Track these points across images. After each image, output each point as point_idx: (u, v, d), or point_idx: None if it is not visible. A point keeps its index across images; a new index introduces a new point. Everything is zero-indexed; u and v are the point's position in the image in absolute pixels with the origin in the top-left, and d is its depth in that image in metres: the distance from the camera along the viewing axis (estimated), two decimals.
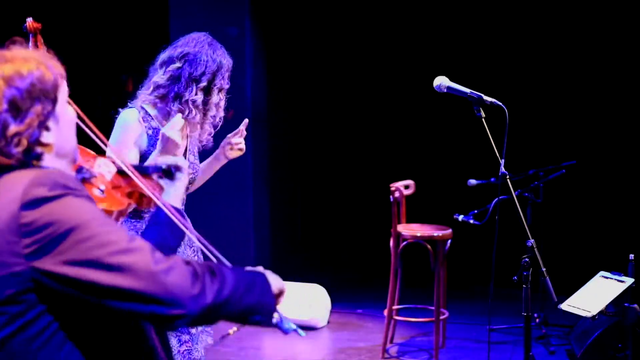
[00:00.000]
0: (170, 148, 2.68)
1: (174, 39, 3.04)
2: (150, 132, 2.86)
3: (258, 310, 1.65)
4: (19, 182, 1.52)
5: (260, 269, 1.75)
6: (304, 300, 5.53)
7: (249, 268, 1.73)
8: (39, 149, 1.60)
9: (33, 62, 1.59)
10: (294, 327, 1.74)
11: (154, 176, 1.99)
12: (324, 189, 7.38)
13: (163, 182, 1.99)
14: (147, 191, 1.85)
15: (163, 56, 2.91)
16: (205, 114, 2.93)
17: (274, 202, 6.53)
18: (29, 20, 3.93)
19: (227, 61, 2.95)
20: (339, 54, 7.15)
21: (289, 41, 6.84)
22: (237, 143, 3.09)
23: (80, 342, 1.57)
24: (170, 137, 2.67)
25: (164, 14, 6.28)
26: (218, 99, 2.95)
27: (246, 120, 3.09)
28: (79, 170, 1.76)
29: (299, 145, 7.16)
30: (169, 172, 1.99)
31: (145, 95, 2.91)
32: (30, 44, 3.88)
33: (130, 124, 2.84)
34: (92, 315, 1.57)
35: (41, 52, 1.68)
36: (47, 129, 1.60)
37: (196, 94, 2.86)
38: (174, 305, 1.50)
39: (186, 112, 2.86)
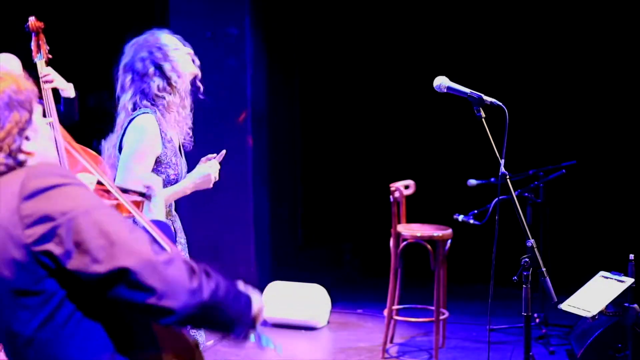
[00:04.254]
0: (205, 184, 2.94)
1: (182, 39, 3.11)
2: (163, 134, 2.95)
3: (242, 322, 1.67)
4: (16, 180, 1.58)
5: (240, 284, 1.77)
6: (304, 300, 5.53)
7: (236, 284, 1.74)
8: (22, 156, 1.65)
9: (9, 79, 1.68)
10: (272, 344, 1.77)
11: (133, 195, 2.05)
12: (324, 189, 7.37)
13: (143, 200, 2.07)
14: (128, 205, 1.89)
15: (119, 80, 3.07)
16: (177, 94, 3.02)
17: (274, 202, 6.53)
18: (32, 19, 3.94)
19: (152, 38, 3.05)
20: (339, 54, 7.15)
21: (289, 41, 6.83)
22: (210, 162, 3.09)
23: (103, 322, 1.60)
24: (211, 177, 2.92)
25: (164, 14, 6.28)
26: (176, 65, 3.02)
27: (224, 152, 3.12)
28: None
29: (299, 145, 7.16)
30: (147, 196, 2.08)
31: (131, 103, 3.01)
32: (32, 42, 3.90)
33: (149, 131, 2.92)
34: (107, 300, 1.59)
35: (16, 64, 1.82)
36: (27, 138, 1.67)
37: (155, 83, 2.98)
38: (168, 297, 1.51)
39: (166, 101, 2.97)
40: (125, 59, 3.06)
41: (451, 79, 2.86)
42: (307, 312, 5.49)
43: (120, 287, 1.52)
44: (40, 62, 3.86)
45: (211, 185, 2.96)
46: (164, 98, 2.99)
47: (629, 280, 3.56)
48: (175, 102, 3.02)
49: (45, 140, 1.72)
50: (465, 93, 2.81)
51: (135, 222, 1.94)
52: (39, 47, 3.87)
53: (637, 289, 3.60)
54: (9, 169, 1.63)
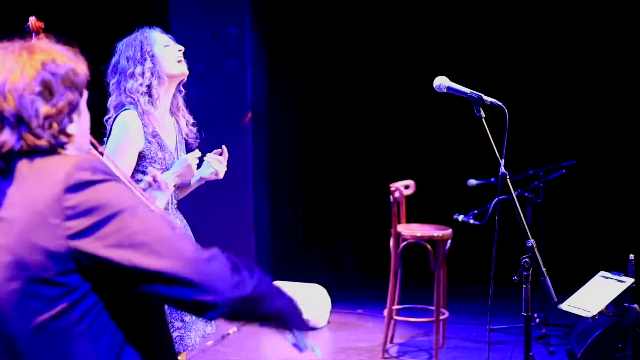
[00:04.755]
0: (187, 174, 2.90)
1: (174, 39, 3.10)
2: (146, 129, 2.97)
3: (288, 315, 1.71)
4: (60, 166, 1.55)
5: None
6: (304, 300, 5.53)
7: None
8: (63, 138, 1.63)
9: (67, 55, 1.67)
10: (312, 347, 1.80)
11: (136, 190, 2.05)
12: (324, 189, 7.38)
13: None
14: (144, 199, 1.89)
15: (112, 80, 3.07)
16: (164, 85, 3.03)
17: (274, 202, 6.53)
18: (32, 19, 3.94)
19: (142, 36, 3.07)
20: (339, 54, 7.16)
21: (289, 41, 6.84)
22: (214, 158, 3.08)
23: (121, 323, 1.60)
24: (191, 165, 2.87)
25: (164, 14, 6.28)
26: (163, 61, 3.03)
27: (224, 147, 3.12)
28: None
29: (299, 145, 7.16)
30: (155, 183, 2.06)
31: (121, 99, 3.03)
32: None
33: (129, 127, 2.94)
34: (131, 297, 1.59)
35: (74, 50, 1.73)
36: (72, 120, 1.64)
37: (142, 72, 2.99)
38: (211, 292, 1.52)
39: (153, 97, 3.00)
40: (113, 59, 3.08)
41: (451, 79, 2.86)
42: (307, 312, 5.48)
43: (162, 283, 1.52)
44: None
45: (194, 174, 2.93)
46: (151, 95, 3.00)
47: (629, 280, 3.56)
48: (162, 99, 3.03)
49: (85, 127, 1.70)
50: (465, 93, 2.81)
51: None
52: None
53: (637, 289, 3.60)
54: (51, 149, 1.59)
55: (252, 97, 6.21)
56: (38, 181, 1.55)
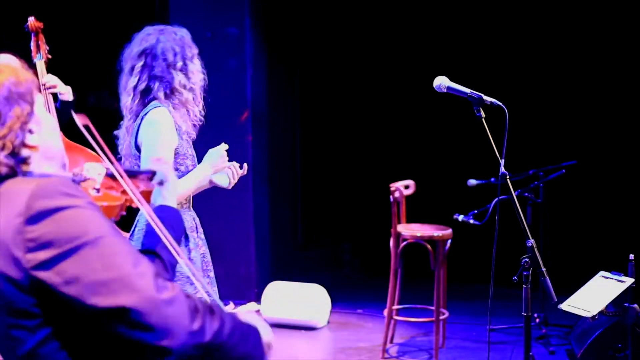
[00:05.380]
0: (220, 165, 2.98)
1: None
2: (177, 127, 2.98)
3: None
4: (20, 193, 1.50)
5: (251, 318, 1.72)
6: (304, 300, 5.53)
7: (241, 316, 1.68)
8: (25, 152, 1.59)
9: (7, 71, 1.61)
10: None
11: (144, 178, 1.98)
12: (324, 189, 7.38)
13: (155, 185, 1.99)
14: (133, 195, 1.83)
15: (127, 64, 3.05)
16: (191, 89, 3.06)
17: (274, 202, 6.53)
18: (31, 19, 3.94)
19: (181, 34, 3.07)
20: (339, 54, 7.16)
21: (289, 41, 6.84)
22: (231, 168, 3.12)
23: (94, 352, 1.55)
24: (224, 155, 2.96)
25: (164, 14, 6.28)
26: (197, 68, 3.08)
27: (246, 166, 3.20)
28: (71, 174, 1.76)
29: (299, 145, 7.16)
30: (159, 179, 1.98)
31: (134, 103, 3.01)
32: (32, 42, 3.90)
33: (165, 125, 2.93)
34: (93, 332, 1.54)
35: (14, 63, 1.67)
36: (31, 131, 1.60)
37: (178, 75, 3.00)
38: (166, 336, 1.46)
39: (181, 96, 3.00)
40: (144, 44, 3.02)
41: (451, 79, 2.86)
42: (307, 312, 5.49)
43: (117, 323, 1.47)
44: (39, 62, 3.86)
45: (227, 162, 3.00)
46: (182, 94, 3.01)
47: (629, 280, 3.56)
48: (189, 100, 3.05)
49: (49, 131, 1.65)
50: (465, 93, 2.81)
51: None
52: (38, 47, 3.87)
53: (637, 289, 3.60)
54: (11, 169, 1.56)
55: (252, 97, 6.21)
56: (2, 210, 1.51)
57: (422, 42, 6.83)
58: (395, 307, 4.95)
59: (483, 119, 2.76)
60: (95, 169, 1.83)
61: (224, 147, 3.01)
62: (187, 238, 2.98)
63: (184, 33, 3.08)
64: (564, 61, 6.44)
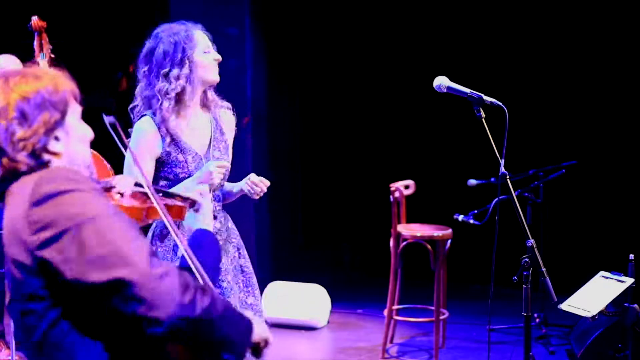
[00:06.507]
0: (206, 180, 2.85)
1: (212, 37, 3.09)
2: (163, 134, 2.93)
3: (232, 348, 1.68)
4: (29, 183, 1.59)
5: (249, 315, 1.79)
6: (304, 300, 5.53)
7: (240, 310, 1.77)
8: (46, 156, 1.66)
9: (47, 79, 1.69)
10: None
11: (183, 203, 2.05)
12: (324, 189, 7.37)
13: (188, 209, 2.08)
14: (164, 217, 1.88)
15: (142, 68, 3.00)
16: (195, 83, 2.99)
17: (274, 202, 6.53)
18: (34, 18, 3.94)
19: (184, 34, 2.97)
20: (339, 54, 7.15)
21: (289, 41, 6.84)
22: (256, 186, 3.11)
23: (103, 334, 1.62)
24: (212, 172, 2.86)
25: (164, 14, 6.28)
26: (197, 69, 2.97)
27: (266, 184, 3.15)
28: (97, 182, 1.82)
29: (299, 145, 7.16)
30: (194, 206, 2.08)
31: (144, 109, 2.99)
32: (35, 42, 3.90)
33: (145, 132, 2.91)
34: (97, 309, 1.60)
35: (57, 71, 1.76)
36: (57, 138, 1.67)
37: (178, 76, 2.93)
38: (157, 308, 1.52)
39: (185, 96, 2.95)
40: (149, 44, 2.98)
41: (451, 79, 2.86)
42: (307, 312, 5.49)
43: (114, 296, 1.53)
44: (42, 61, 3.87)
45: (213, 179, 2.89)
46: (179, 101, 2.96)
47: (629, 280, 3.56)
48: (191, 104, 3.00)
49: (78, 141, 1.72)
50: (465, 93, 2.81)
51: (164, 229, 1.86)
52: (41, 46, 3.88)
53: (637, 289, 3.60)
54: (30, 168, 1.64)
55: (252, 97, 6.21)
56: (15, 200, 1.60)
57: (422, 42, 6.82)
58: (395, 307, 4.95)
59: (483, 119, 2.76)
60: (125, 181, 1.89)
61: (219, 163, 2.94)
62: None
63: (185, 31, 2.97)
64: (564, 61, 6.44)
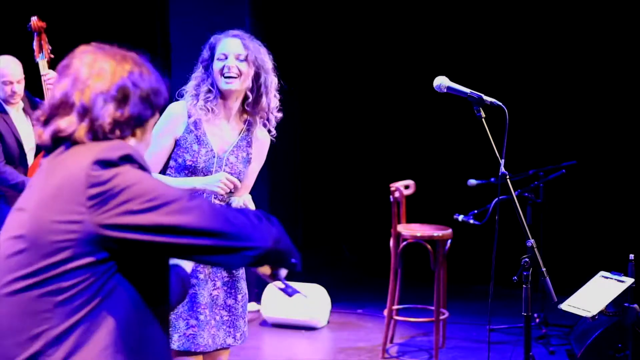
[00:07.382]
0: (210, 186, 2.96)
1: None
2: (190, 120, 3.02)
3: (294, 254, 1.87)
4: (95, 147, 1.63)
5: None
6: (303, 300, 5.53)
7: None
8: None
9: (155, 75, 1.76)
10: (299, 290, 2.02)
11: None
12: (324, 189, 7.38)
13: None
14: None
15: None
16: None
17: (274, 202, 6.53)
18: (34, 19, 3.95)
19: (219, 37, 3.15)
20: (339, 54, 7.16)
21: (289, 41, 6.84)
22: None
23: (133, 291, 1.65)
24: (220, 182, 2.95)
25: (164, 14, 6.28)
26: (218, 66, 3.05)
27: None
28: None
29: (298, 145, 7.16)
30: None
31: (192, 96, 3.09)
32: (34, 42, 3.90)
33: (171, 114, 3.02)
34: (143, 265, 1.66)
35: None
36: (134, 134, 1.72)
37: (197, 77, 3.09)
38: (247, 239, 1.66)
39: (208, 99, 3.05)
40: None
41: (451, 79, 2.86)
42: (307, 312, 5.49)
43: (192, 236, 1.60)
44: (42, 62, 3.87)
45: (216, 188, 2.94)
46: (204, 107, 3.04)
47: (629, 280, 3.56)
48: (228, 107, 3.09)
49: (144, 146, 1.76)
50: (465, 93, 2.81)
51: None
52: (40, 47, 3.89)
53: (637, 289, 3.60)
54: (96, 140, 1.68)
55: None
56: (74, 157, 1.63)
57: (422, 42, 6.83)
58: (395, 307, 4.95)
59: (483, 119, 2.76)
60: None
61: (230, 178, 2.98)
62: None
63: (218, 36, 3.14)
64: (564, 61, 6.44)
